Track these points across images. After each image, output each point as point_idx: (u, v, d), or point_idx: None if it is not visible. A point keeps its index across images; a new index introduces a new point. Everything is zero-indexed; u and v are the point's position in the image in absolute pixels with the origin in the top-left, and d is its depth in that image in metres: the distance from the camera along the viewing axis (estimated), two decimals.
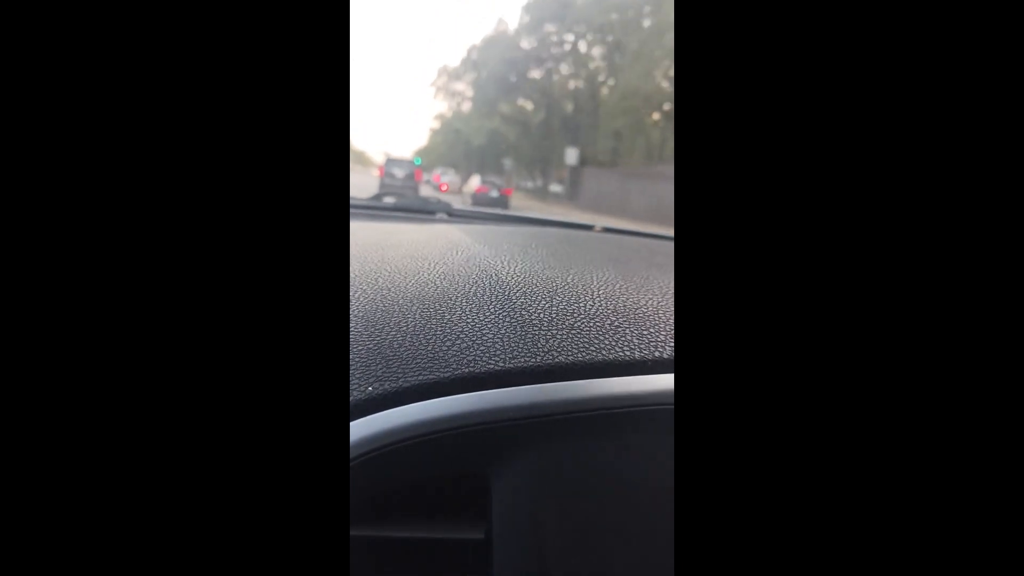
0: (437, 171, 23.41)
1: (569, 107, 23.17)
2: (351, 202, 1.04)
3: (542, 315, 0.36)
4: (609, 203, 15.61)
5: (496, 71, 25.04)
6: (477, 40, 31.07)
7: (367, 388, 0.30)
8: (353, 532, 0.28)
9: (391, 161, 14.17)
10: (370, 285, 0.41)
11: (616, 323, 0.36)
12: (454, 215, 1.08)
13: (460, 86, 30.42)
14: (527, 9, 24.54)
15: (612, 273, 0.46)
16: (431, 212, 1.07)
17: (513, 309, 0.37)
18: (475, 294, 0.39)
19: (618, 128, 18.40)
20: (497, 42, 26.48)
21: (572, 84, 23.96)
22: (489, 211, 1.17)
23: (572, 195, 19.77)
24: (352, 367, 0.31)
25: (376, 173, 18.47)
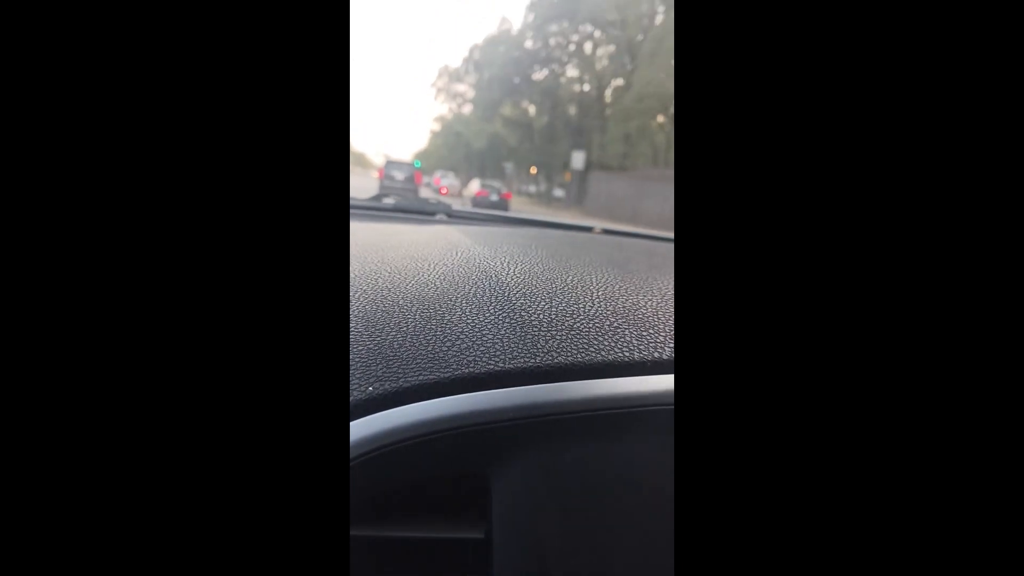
0: (437, 174, 23.06)
1: (574, 109, 22.36)
2: (351, 203, 1.03)
3: (542, 316, 0.36)
4: (620, 209, 14.86)
5: (499, 72, 24.35)
6: (479, 40, 30.36)
7: (367, 388, 0.30)
8: (353, 532, 0.29)
9: (391, 164, 14.17)
10: (370, 285, 0.41)
11: (615, 324, 0.36)
12: (454, 216, 1.07)
13: (461, 87, 29.80)
14: (531, 7, 23.84)
15: (611, 274, 0.46)
16: (431, 213, 1.06)
17: (513, 310, 0.37)
18: (475, 295, 0.39)
19: (629, 131, 17.59)
20: (500, 42, 25.79)
21: (578, 86, 23.17)
22: (489, 212, 1.15)
23: (578, 200, 18.99)
24: (352, 367, 0.32)
25: (376, 175, 18.45)
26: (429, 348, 0.33)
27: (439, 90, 31.83)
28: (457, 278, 0.42)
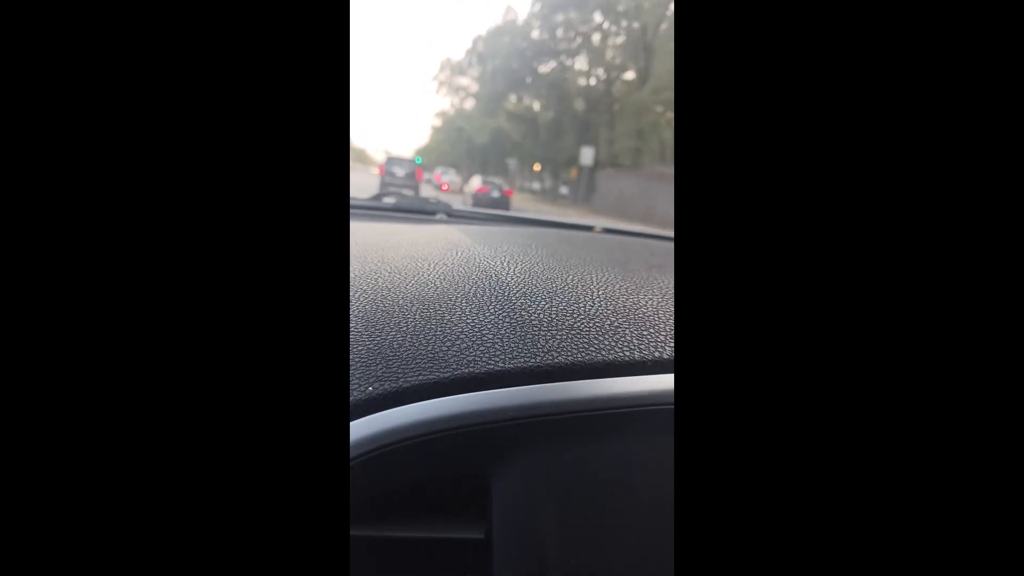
0: (438, 171, 22.53)
1: (581, 103, 21.49)
2: (351, 202, 1.02)
3: (542, 315, 0.36)
4: (631, 208, 14.07)
5: (503, 64, 23.52)
6: (483, 31, 29.45)
7: (367, 388, 0.30)
8: (353, 532, 0.29)
9: (392, 160, 14.14)
10: (370, 285, 0.41)
11: (616, 323, 0.36)
12: (454, 215, 1.07)
13: (464, 81, 29.00)
14: None
15: (612, 273, 0.46)
16: (431, 212, 1.06)
17: (513, 309, 0.37)
18: (475, 294, 0.39)
19: (641, 126, 16.76)
20: (505, 32, 24.94)
21: (586, 79, 22.30)
22: (489, 212, 1.15)
23: (586, 198, 18.17)
24: (352, 367, 0.32)
25: (376, 172, 18.49)
26: (429, 348, 0.33)
27: (441, 84, 31.04)
28: (457, 278, 0.42)
